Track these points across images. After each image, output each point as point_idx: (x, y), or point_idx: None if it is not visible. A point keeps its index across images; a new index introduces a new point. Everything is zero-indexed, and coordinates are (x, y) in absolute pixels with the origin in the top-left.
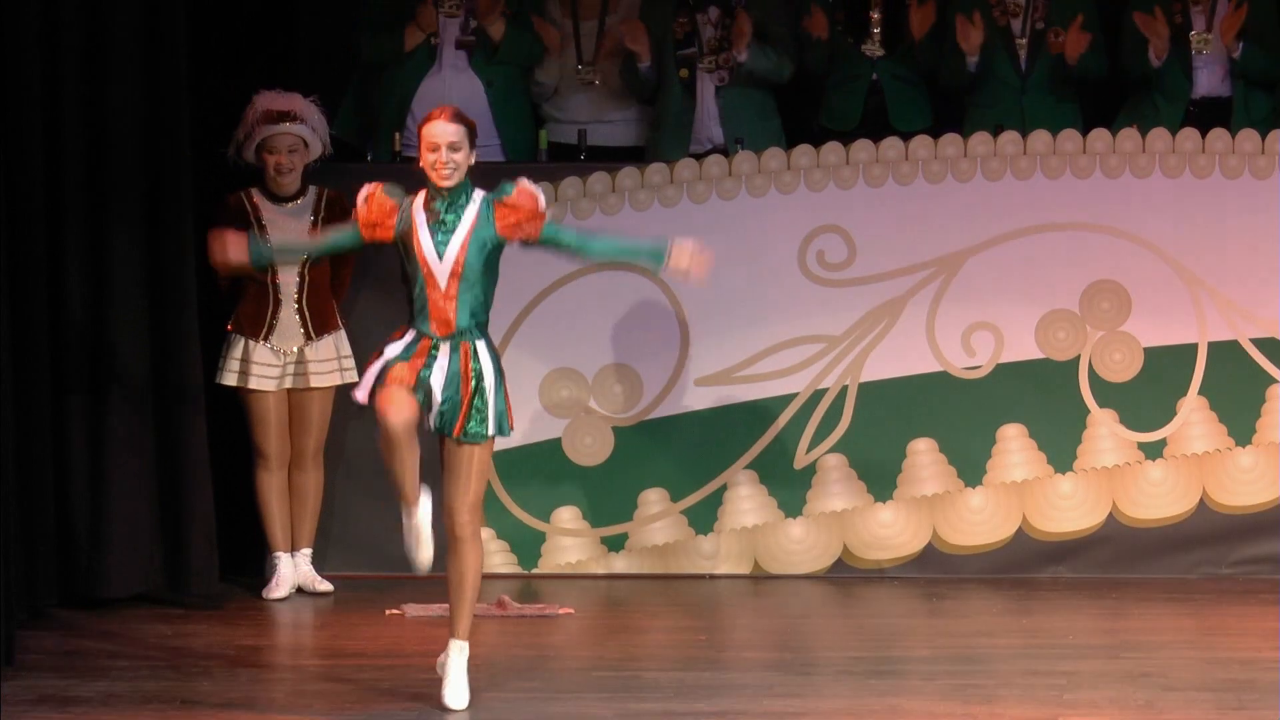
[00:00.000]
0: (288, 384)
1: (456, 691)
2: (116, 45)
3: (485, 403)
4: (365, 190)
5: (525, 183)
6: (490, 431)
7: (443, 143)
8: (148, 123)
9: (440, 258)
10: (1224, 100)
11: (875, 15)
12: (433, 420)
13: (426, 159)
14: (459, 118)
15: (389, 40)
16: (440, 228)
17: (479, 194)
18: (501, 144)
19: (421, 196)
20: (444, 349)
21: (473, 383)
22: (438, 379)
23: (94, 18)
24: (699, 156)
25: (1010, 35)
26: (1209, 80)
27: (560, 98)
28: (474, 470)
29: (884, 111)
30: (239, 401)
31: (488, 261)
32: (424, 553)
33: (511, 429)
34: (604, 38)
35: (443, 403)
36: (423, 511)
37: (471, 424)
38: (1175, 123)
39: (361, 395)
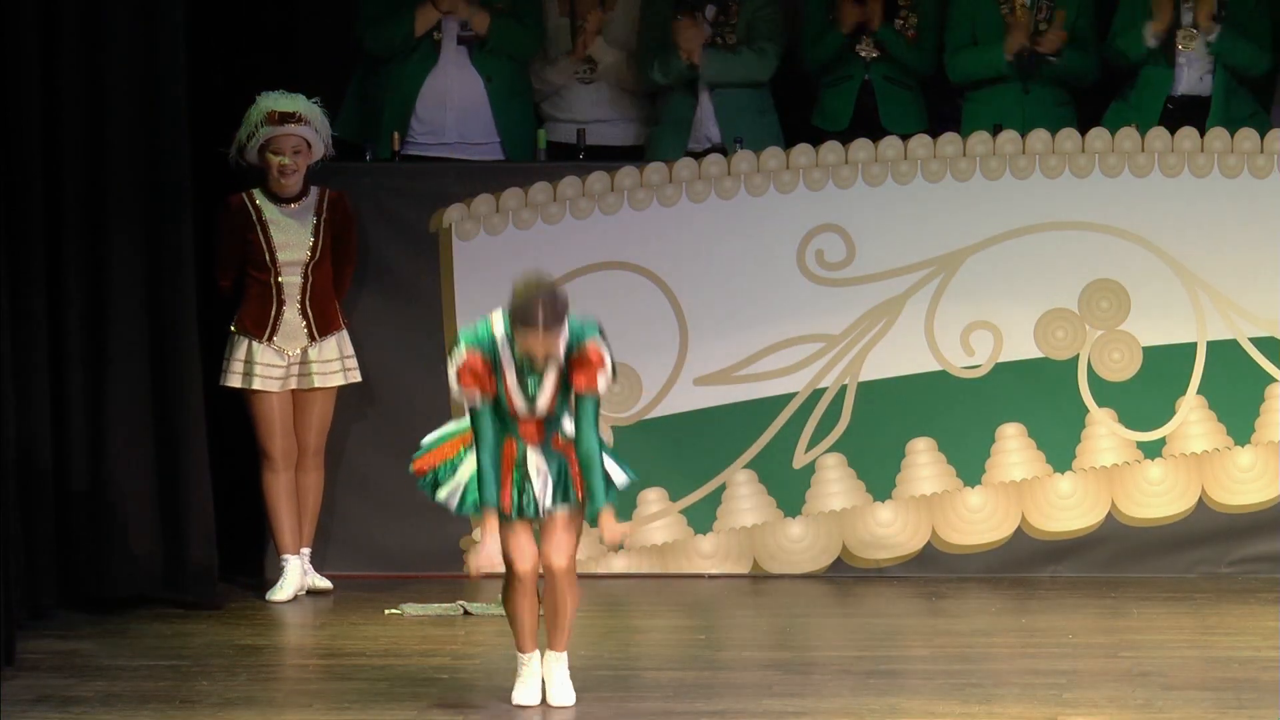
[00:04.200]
0: (292, 385)
1: (563, 691)
2: (115, 42)
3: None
4: (458, 365)
5: (598, 344)
6: (606, 499)
7: (542, 354)
8: (147, 122)
9: (530, 409)
10: (1203, 100)
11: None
12: (546, 500)
13: (530, 353)
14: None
15: (396, 27)
16: (528, 378)
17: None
18: (501, 142)
19: (504, 338)
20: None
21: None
22: (535, 463)
23: (92, 15)
24: (697, 155)
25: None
26: (1190, 78)
27: (559, 97)
28: (574, 528)
29: (875, 113)
30: (242, 403)
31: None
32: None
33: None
34: (586, 29)
35: (554, 482)
36: (535, 662)
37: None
38: (1153, 116)
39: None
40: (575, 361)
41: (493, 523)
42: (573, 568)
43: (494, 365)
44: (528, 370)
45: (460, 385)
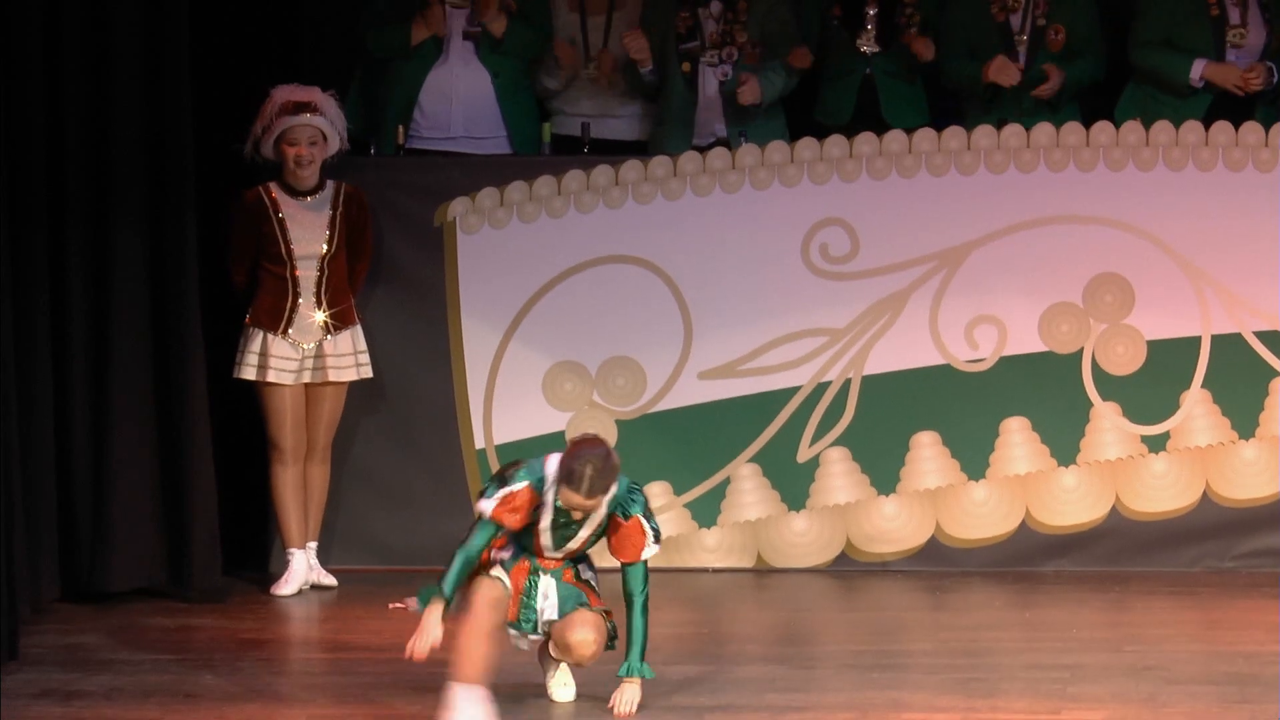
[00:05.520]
0: (305, 378)
1: (565, 687)
2: (119, 40)
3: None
4: (504, 494)
5: (646, 524)
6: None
7: (582, 512)
8: (150, 118)
9: (557, 549)
10: (1236, 96)
11: (871, 11)
12: (548, 614)
13: (570, 506)
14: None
15: (395, 34)
16: (563, 527)
17: (604, 508)
18: (508, 137)
19: (553, 483)
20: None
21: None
22: (544, 588)
23: (96, 12)
24: (702, 149)
25: (1009, 31)
26: None
27: (565, 91)
28: (598, 626)
29: (876, 106)
30: (255, 395)
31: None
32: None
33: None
34: (603, 49)
35: (561, 597)
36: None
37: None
38: (1199, 114)
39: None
40: (620, 533)
41: (437, 613)
42: (599, 654)
43: (538, 505)
44: (565, 519)
45: (489, 513)
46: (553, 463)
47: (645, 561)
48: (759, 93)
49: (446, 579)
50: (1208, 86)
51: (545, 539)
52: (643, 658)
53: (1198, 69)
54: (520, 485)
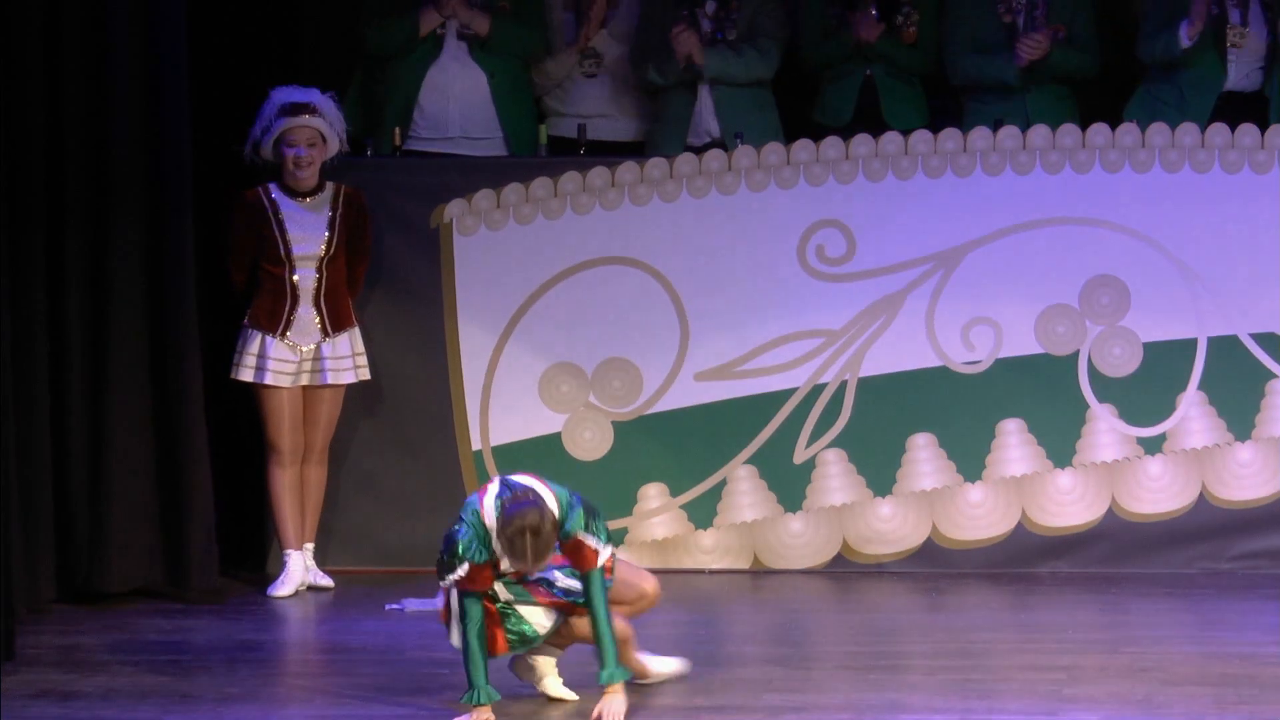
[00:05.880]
0: (303, 380)
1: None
2: (118, 40)
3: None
4: (458, 578)
5: (587, 538)
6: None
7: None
8: (150, 118)
9: (526, 599)
10: (1251, 94)
11: (873, 12)
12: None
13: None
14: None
15: (399, 27)
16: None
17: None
18: (505, 137)
19: (497, 529)
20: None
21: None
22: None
23: (96, 12)
24: (698, 151)
25: (1015, 32)
26: (1236, 74)
27: (561, 91)
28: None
29: (877, 108)
30: (253, 397)
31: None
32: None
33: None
34: (590, 18)
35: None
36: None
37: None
38: (1204, 114)
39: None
40: (568, 551)
41: (487, 713)
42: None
43: (491, 563)
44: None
45: (461, 589)
46: (487, 510)
47: (601, 568)
48: (699, 54)
49: (476, 673)
50: (1213, 74)
51: (516, 595)
52: (617, 661)
53: (1184, 30)
54: (463, 567)
